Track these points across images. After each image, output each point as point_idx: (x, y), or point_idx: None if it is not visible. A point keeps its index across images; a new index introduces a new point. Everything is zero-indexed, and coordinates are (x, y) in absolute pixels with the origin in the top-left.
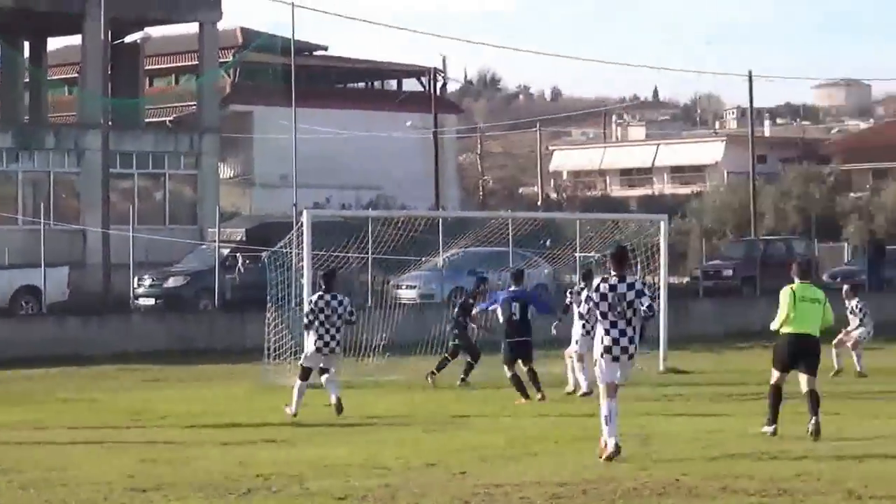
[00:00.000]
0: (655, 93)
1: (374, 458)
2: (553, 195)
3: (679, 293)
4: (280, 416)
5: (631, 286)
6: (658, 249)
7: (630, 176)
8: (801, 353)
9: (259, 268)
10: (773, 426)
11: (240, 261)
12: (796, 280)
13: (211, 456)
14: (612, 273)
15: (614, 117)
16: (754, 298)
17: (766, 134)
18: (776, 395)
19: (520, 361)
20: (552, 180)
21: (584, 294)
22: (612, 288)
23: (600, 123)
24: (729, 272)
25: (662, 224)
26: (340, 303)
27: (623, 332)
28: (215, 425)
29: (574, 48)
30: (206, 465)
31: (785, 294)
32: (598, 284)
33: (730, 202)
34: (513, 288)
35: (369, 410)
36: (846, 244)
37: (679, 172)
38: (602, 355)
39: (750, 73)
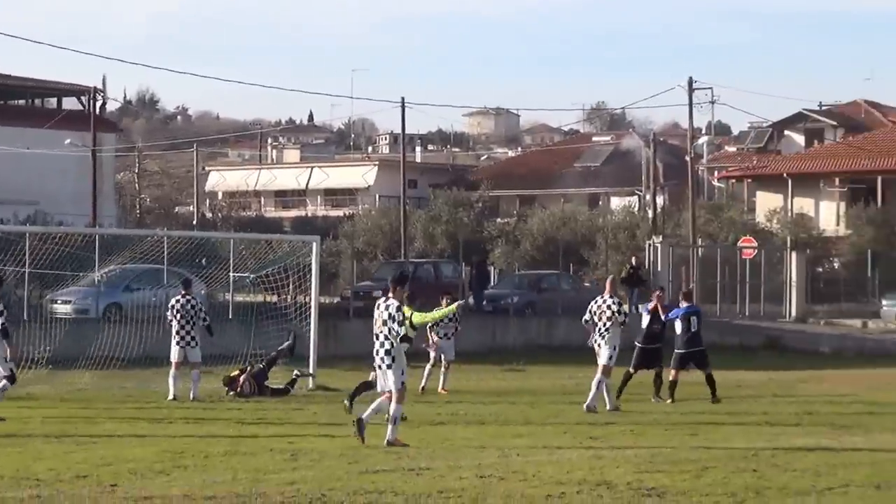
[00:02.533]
0: (311, 116)
1: (27, 469)
2: (209, 214)
3: (330, 313)
4: None
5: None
6: (310, 270)
7: (284, 197)
8: None
9: None
10: None
11: None
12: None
13: None
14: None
15: (270, 139)
16: None
17: (418, 160)
18: None
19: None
20: (208, 200)
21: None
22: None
23: (256, 145)
24: (379, 293)
25: (314, 245)
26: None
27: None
28: None
29: (231, 71)
30: None
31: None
32: None
33: (381, 225)
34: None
35: (24, 423)
36: (492, 268)
37: (332, 195)
38: None
39: (402, 99)
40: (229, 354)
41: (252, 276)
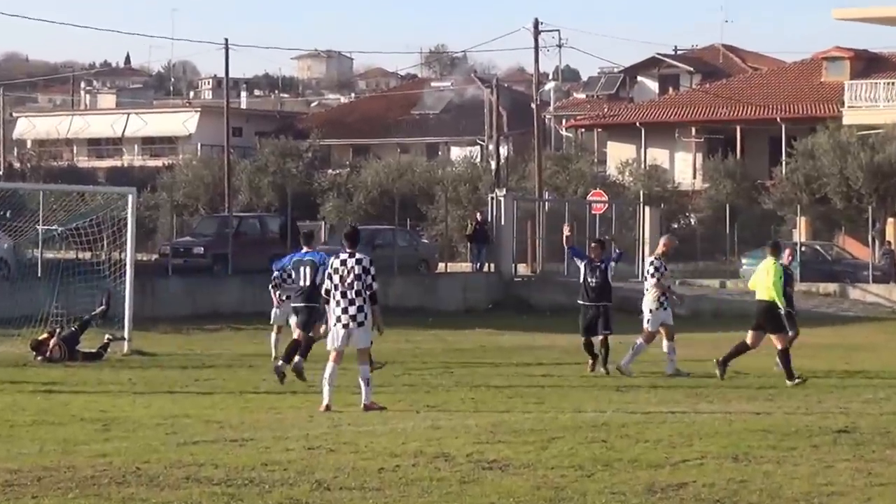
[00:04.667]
0: (127, 59)
1: None
2: (17, 164)
3: (147, 271)
4: None
5: None
6: (125, 224)
7: (99, 146)
8: None
9: None
10: None
11: None
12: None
13: None
14: None
15: (83, 84)
16: (226, 278)
17: (243, 106)
18: None
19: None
20: (16, 149)
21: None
22: None
23: (68, 90)
24: (200, 250)
25: (130, 198)
26: None
27: None
28: None
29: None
30: None
31: None
32: None
33: (203, 176)
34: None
35: None
36: (323, 223)
37: (150, 144)
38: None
39: (226, 41)
40: (37, 315)
41: (60, 228)
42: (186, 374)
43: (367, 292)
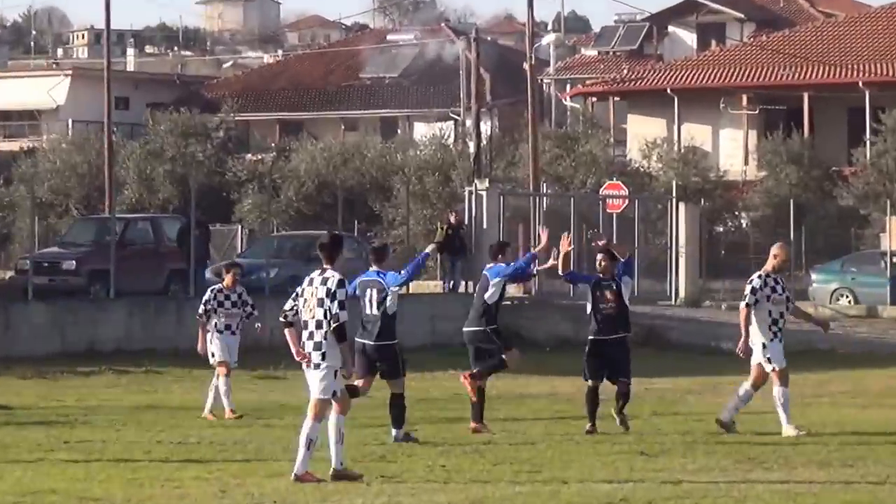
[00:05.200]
0: None
1: None
2: None
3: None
4: None
5: None
6: None
7: None
8: None
9: None
10: None
11: None
12: None
13: None
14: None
15: None
16: (107, 303)
17: (130, 68)
18: None
19: None
20: None
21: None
22: None
23: None
24: (71, 264)
25: None
26: None
27: None
28: None
29: None
30: None
31: None
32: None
33: (75, 164)
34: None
35: None
36: (239, 228)
37: (5, 121)
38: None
39: None
40: None
41: None
42: (53, 434)
43: (331, 324)
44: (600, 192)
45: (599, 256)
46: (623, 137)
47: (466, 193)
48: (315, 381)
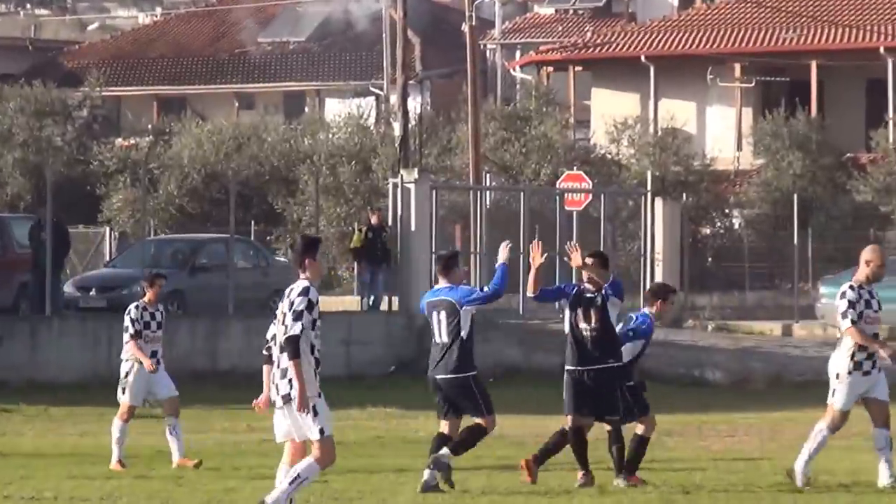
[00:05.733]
0: None
1: None
2: None
3: None
4: None
5: None
6: None
7: None
8: None
9: None
10: None
11: None
12: None
13: None
14: None
15: None
16: None
17: None
18: None
19: None
20: None
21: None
22: None
23: None
24: None
25: None
26: None
27: None
28: None
29: None
30: None
31: None
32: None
33: None
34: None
35: None
36: (108, 229)
37: None
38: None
39: None
40: None
41: None
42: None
43: (283, 334)
44: (557, 185)
45: (586, 262)
46: (586, 117)
47: (390, 187)
48: (294, 419)
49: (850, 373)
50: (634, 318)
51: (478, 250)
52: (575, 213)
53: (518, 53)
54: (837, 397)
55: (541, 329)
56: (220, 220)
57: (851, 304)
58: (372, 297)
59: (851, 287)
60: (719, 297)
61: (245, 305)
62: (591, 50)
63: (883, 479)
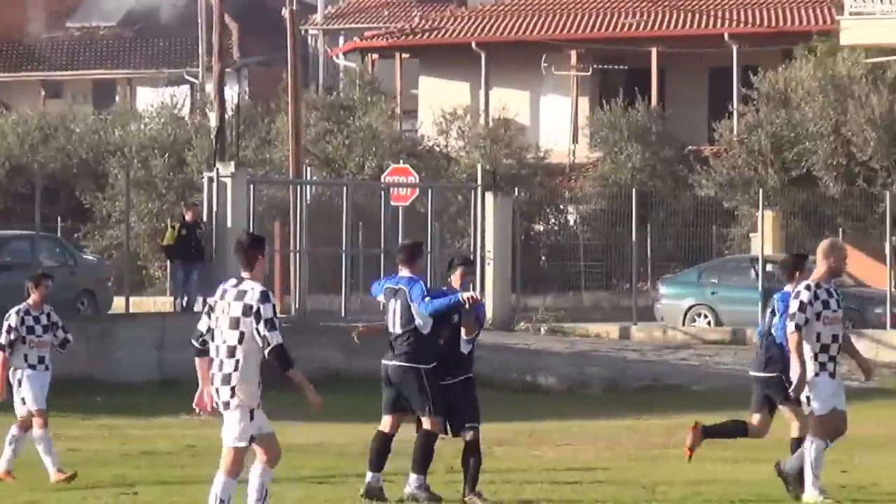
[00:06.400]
0: None
1: None
2: None
3: None
4: None
5: None
6: None
7: None
8: None
9: None
10: None
11: None
12: None
13: None
14: None
15: None
16: None
17: None
18: None
19: None
20: None
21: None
22: None
23: None
24: None
25: None
26: None
27: None
28: None
29: None
30: None
31: None
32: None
33: None
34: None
35: None
36: None
37: None
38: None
39: None
40: None
41: None
42: None
43: (265, 350)
44: (382, 179)
45: (458, 269)
46: (413, 107)
47: (205, 181)
48: (224, 424)
49: (817, 374)
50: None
51: (298, 248)
52: (401, 209)
53: (342, 40)
54: (815, 404)
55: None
56: (24, 216)
57: (802, 307)
58: (185, 298)
59: (808, 287)
60: (553, 297)
61: (57, 304)
62: (418, 36)
63: (811, 496)
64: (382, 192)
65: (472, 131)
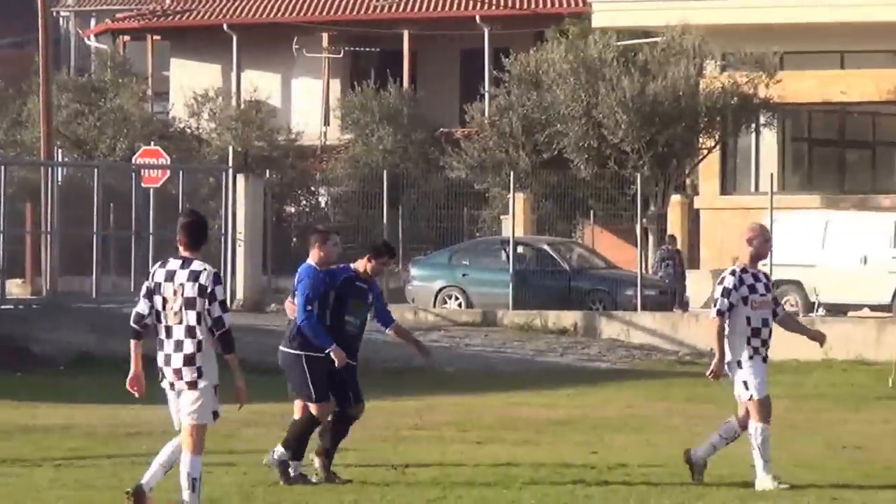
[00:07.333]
0: None
1: None
2: None
3: None
4: None
5: None
6: None
7: None
8: None
9: None
10: None
11: None
12: None
13: None
14: None
15: None
16: None
17: None
18: None
19: None
20: None
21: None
22: None
23: None
24: None
25: None
26: None
27: None
28: None
29: None
30: None
31: None
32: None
33: None
34: None
35: None
36: None
37: None
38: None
39: None
40: None
41: None
42: None
43: (215, 331)
44: (133, 161)
45: (376, 257)
46: (165, 89)
47: None
48: (187, 402)
49: (751, 357)
50: None
51: (49, 229)
52: (152, 191)
53: (93, 21)
54: (753, 388)
55: (116, 313)
56: None
57: (726, 293)
58: None
59: (733, 272)
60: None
61: None
62: (170, 18)
63: (764, 482)
64: (133, 174)
65: (224, 113)
